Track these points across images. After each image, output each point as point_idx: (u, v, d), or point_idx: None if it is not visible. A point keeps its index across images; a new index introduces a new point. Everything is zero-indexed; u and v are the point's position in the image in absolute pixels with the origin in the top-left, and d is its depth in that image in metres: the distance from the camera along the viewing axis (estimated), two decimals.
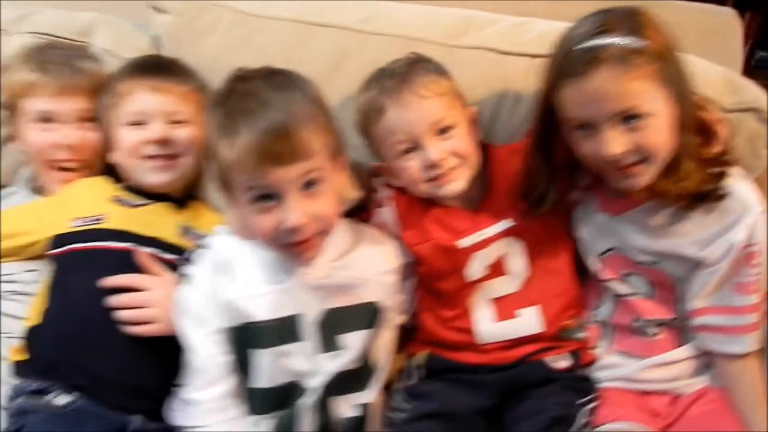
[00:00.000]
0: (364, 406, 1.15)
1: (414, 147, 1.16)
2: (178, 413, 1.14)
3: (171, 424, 1.15)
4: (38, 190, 1.42)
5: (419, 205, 1.22)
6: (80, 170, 1.36)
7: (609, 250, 1.20)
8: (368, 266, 1.16)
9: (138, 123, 1.29)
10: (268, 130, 1.02)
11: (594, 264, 1.22)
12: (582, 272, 1.25)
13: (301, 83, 1.09)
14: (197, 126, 1.30)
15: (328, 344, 1.12)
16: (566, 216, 1.23)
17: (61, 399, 1.15)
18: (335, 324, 1.12)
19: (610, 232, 1.19)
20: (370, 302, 1.15)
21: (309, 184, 1.05)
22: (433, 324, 1.23)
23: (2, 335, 1.26)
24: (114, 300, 1.19)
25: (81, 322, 1.20)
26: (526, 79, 1.26)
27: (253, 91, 1.05)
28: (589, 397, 1.18)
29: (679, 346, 1.19)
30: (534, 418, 1.11)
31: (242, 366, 1.13)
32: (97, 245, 1.25)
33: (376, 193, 1.24)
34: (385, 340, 1.18)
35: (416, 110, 1.14)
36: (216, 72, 1.36)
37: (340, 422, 1.12)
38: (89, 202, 1.30)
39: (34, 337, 1.23)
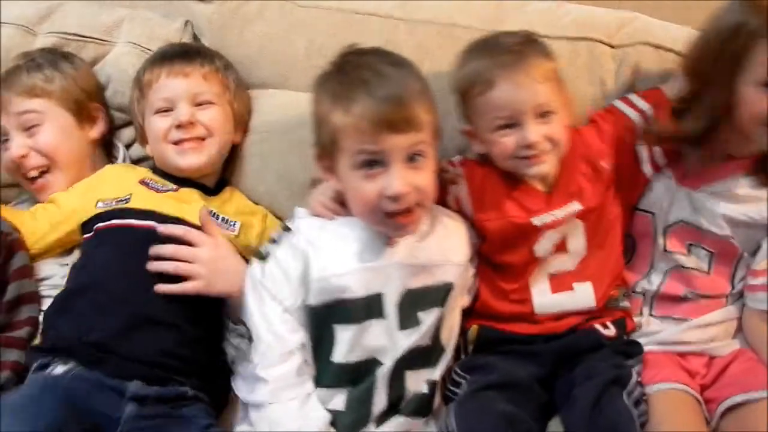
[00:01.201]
0: (432, 383, 1.19)
1: (513, 124, 1.20)
2: (246, 390, 1.17)
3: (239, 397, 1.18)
4: None
5: (493, 181, 1.27)
6: (52, 172, 1.36)
7: (679, 222, 1.28)
8: (445, 247, 1.21)
9: (165, 110, 1.32)
10: (386, 97, 1.09)
11: (661, 236, 1.29)
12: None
13: (409, 63, 1.16)
14: (221, 107, 1.35)
15: (406, 321, 1.17)
16: (629, 195, 1.30)
17: (59, 369, 1.17)
18: (414, 302, 1.17)
19: (686, 205, 1.27)
20: (446, 282, 1.20)
21: (414, 157, 1.11)
22: (489, 296, 1.27)
23: None
24: (161, 248, 1.21)
25: (88, 296, 1.22)
26: (568, 61, 1.33)
27: (368, 64, 1.13)
28: (637, 359, 1.25)
29: (717, 309, 1.28)
30: (591, 381, 1.17)
31: (321, 342, 1.17)
32: (119, 223, 1.27)
33: (445, 172, 1.27)
34: (453, 319, 1.23)
35: (526, 91, 1.18)
36: (263, 61, 1.43)
37: (409, 397, 1.17)
38: (117, 185, 1.33)
39: (45, 320, 1.25)
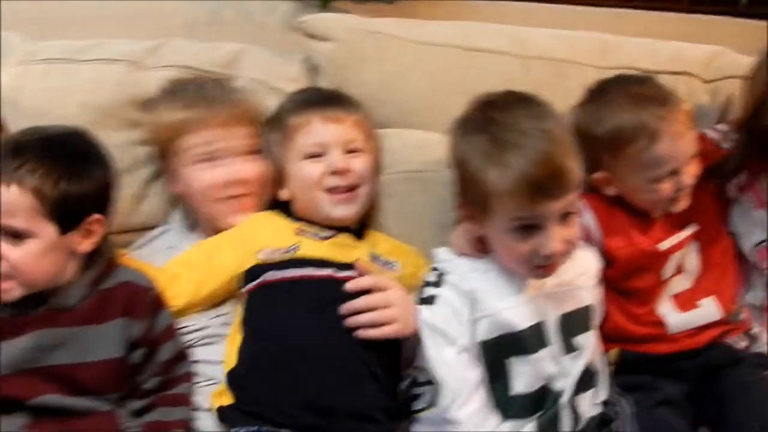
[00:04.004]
0: (601, 403, 1.24)
1: (672, 173, 1.26)
2: None
3: None
4: (193, 227, 1.40)
5: (616, 211, 1.32)
6: (251, 199, 1.34)
7: (763, 242, 1.37)
8: (582, 270, 1.26)
9: (316, 155, 1.30)
10: (542, 163, 1.10)
11: (752, 255, 1.38)
12: None
13: (551, 111, 1.17)
14: (370, 154, 1.34)
15: (568, 347, 1.21)
16: (724, 214, 1.40)
17: None
18: (570, 327, 1.22)
19: (766, 225, 1.36)
20: (589, 304, 1.25)
21: (567, 215, 1.14)
22: (623, 320, 1.32)
23: (202, 383, 1.23)
24: (354, 304, 1.19)
25: (287, 355, 1.19)
26: None
27: (516, 123, 1.13)
28: None
29: None
30: (748, 395, 1.25)
31: (496, 376, 1.19)
32: (295, 274, 1.24)
33: None
34: (595, 339, 1.28)
35: (684, 141, 1.26)
36: (385, 99, 1.44)
37: (587, 420, 1.21)
38: (275, 234, 1.29)
39: (234, 379, 1.21)
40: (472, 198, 1.17)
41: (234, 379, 1.21)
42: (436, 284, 1.21)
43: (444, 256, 1.24)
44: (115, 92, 1.39)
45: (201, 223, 1.38)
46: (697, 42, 1.58)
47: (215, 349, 1.26)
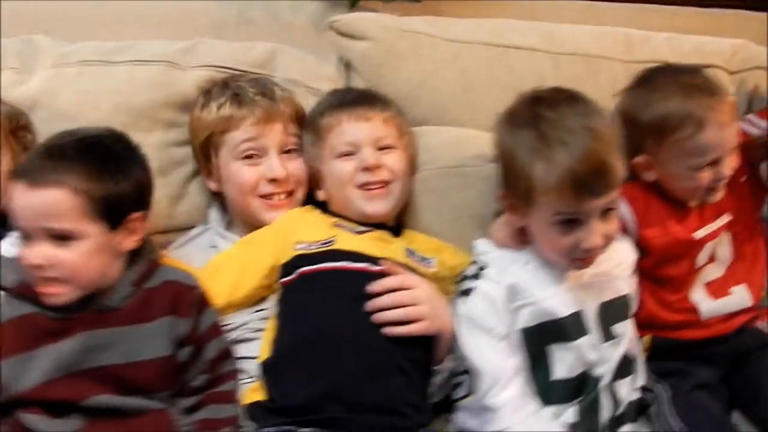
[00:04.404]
0: (640, 389, 1.27)
1: (714, 162, 1.28)
2: (476, 422, 1.20)
3: None
4: (229, 226, 1.41)
5: (652, 201, 1.35)
6: (288, 197, 1.37)
7: None
8: (619, 261, 1.29)
9: (348, 154, 1.32)
10: (587, 160, 1.12)
11: None
12: None
13: (597, 108, 1.20)
14: (402, 151, 1.36)
15: (607, 335, 1.24)
16: (758, 203, 1.42)
17: None
18: (608, 316, 1.25)
19: None
20: (626, 294, 1.28)
21: (608, 211, 1.17)
22: (656, 308, 1.35)
23: (243, 380, 1.24)
24: (381, 301, 1.21)
25: (315, 344, 1.20)
26: None
27: (562, 119, 1.15)
28: None
29: None
30: None
31: (537, 363, 1.22)
32: (330, 266, 1.25)
33: None
34: (632, 327, 1.30)
35: (728, 132, 1.28)
36: (420, 98, 1.46)
37: (626, 405, 1.24)
38: (312, 228, 1.31)
39: (265, 370, 1.22)
40: (516, 191, 1.20)
41: (265, 369, 1.22)
42: (475, 277, 1.24)
43: (483, 248, 1.27)
44: (149, 93, 1.40)
45: (237, 220, 1.40)
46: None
47: (256, 345, 1.27)
